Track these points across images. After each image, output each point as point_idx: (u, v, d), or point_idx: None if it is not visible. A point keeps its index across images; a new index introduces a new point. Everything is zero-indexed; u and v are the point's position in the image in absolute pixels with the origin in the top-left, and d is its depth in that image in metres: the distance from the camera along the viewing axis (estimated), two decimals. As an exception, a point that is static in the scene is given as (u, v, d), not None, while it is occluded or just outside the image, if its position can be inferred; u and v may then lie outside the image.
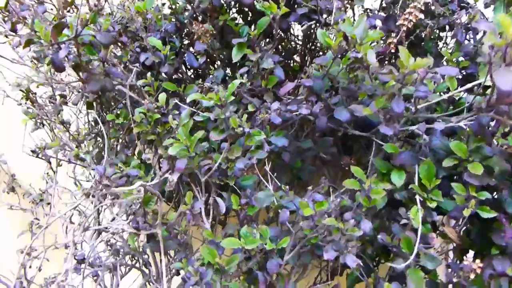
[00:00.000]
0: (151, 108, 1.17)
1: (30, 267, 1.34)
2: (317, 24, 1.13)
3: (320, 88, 1.08)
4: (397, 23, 1.08)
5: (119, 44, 1.29)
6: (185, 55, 1.31)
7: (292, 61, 1.46)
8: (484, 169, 0.89)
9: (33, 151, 1.49)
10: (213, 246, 1.02)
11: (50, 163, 1.55)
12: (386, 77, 0.90)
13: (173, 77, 1.36)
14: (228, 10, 1.18)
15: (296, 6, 1.13)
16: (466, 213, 0.91)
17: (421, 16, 1.15)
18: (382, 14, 1.30)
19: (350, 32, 0.91)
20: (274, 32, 1.05)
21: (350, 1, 1.24)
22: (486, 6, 1.40)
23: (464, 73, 1.23)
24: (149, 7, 1.29)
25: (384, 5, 1.27)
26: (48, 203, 1.73)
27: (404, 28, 1.01)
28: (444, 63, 1.25)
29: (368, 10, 1.32)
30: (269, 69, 1.13)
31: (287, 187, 1.05)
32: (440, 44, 1.40)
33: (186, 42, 1.38)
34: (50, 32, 0.88)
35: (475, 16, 1.12)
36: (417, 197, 0.97)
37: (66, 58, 0.99)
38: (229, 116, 0.99)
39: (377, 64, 0.92)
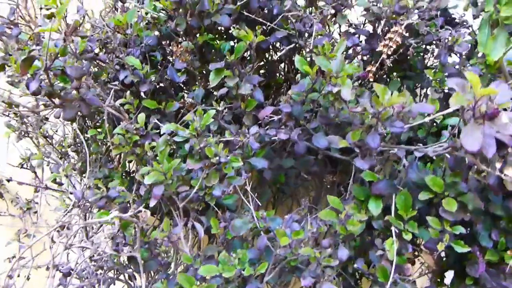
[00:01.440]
0: (130, 130, 1.16)
1: (18, 276, 1.34)
2: (297, 47, 1.11)
3: (299, 113, 1.07)
4: (379, 46, 1.06)
5: (98, 62, 1.27)
6: (167, 69, 1.29)
7: (277, 74, 1.44)
8: (458, 204, 0.89)
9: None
10: (191, 273, 1.03)
11: (35, 173, 1.55)
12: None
13: (157, 88, 1.35)
14: (206, 31, 1.15)
15: (274, 30, 1.10)
16: (440, 247, 0.91)
17: (405, 36, 1.14)
18: (368, 29, 1.28)
19: (325, 66, 0.90)
20: (252, 58, 1.03)
21: (333, 18, 1.22)
22: (475, 17, 1.38)
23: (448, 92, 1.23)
24: (130, 20, 1.26)
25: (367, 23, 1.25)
26: (35, 212, 1.74)
27: (384, 56, 0.99)
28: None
29: (352, 26, 1.30)
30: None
31: (264, 213, 1.05)
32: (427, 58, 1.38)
33: (168, 54, 1.36)
34: (20, 66, 0.86)
35: (458, 39, 1.10)
36: (393, 228, 0.97)
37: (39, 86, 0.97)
38: (204, 146, 0.98)
39: (353, 97, 0.91)
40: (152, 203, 1.04)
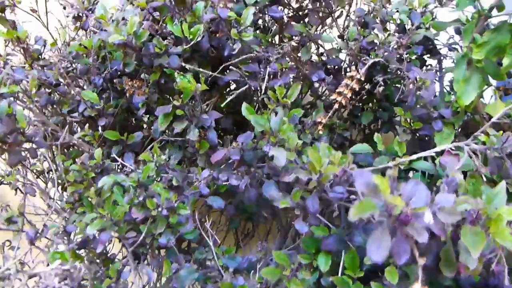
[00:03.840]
0: (86, 166, 1.14)
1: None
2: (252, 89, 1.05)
3: (251, 159, 1.02)
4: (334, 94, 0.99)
5: (57, 93, 1.25)
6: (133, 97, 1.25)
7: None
8: (401, 273, 0.84)
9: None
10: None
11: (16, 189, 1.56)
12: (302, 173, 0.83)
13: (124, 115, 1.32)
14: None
15: (228, 69, 1.05)
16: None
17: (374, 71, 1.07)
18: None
19: (262, 126, 0.84)
20: (199, 105, 0.99)
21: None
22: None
23: (417, 135, 1.16)
24: (96, 46, 1.22)
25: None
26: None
27: (336, 106, 0.92)
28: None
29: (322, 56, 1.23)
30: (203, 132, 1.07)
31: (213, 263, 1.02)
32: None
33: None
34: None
35: (425, 82, 1.02)
36: (339, 289, 0.92)
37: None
38: (145, 198, 0.95)
39: (292, 157, 0.85)
40: (99, 248, 1.02)
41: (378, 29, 1.10)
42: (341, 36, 1.25)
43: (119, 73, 1.20)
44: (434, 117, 1.08)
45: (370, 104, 1.29)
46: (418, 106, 1.09)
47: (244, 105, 0.95)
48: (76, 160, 1.16)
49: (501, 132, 1.08)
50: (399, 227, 0.57)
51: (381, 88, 1.13)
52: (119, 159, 1.18)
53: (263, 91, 1.00)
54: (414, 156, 1.04)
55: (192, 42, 0.97)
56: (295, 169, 0.94)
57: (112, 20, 1.08)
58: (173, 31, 0.97)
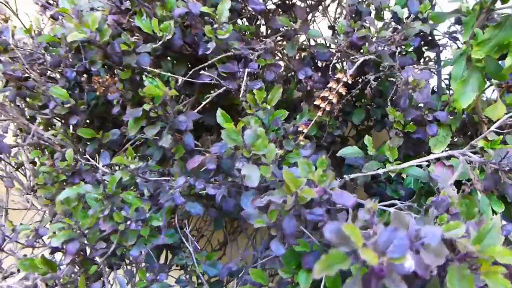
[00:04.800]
0: (57, 168, 1.07)
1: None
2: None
3: (229, 167, 0.94)
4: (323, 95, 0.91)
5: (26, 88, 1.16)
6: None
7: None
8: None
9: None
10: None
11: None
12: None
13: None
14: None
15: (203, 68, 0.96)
16: None
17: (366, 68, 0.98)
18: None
19: (234, 141, 0.76)
20: (173, 107, 0.90)
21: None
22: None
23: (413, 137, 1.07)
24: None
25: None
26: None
27: (320, 113, 0.84)
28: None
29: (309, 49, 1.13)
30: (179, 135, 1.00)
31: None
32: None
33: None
34: None
35: (419, 84, 0.93)
36: (319, 310, 0.87)
37: None
38: (113, 212, 0.88)
39: (268, 173, 0.78)
40: (67, 259, 0.96)
41: (370, 22, 1.00)
42: (331, 27, 1.15)
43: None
44: (429, 120, 0.99)
45: (363, 100, 1.20)
46: (411, 107, 1.00)
47: (219, 111, 0.87)
48: (46, 162, 1.09)
49: (501, 137, 1.00)
50: (374, 279, 0.50)
51: (372, 88, 1.04)
52: (93, 160, 1.11)
53: (241, 93, 0.91)
54: (406, 164, 0.96)
55: (163, 40, 0.88)
56: (274, 182, 0.87)
57: (79, 11, 0.98)
58: (141, 26, 0.88)
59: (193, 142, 1.00)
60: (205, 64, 0.91)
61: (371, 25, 1.00)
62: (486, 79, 0.93)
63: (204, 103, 0.93)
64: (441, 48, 1.19)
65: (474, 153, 0.89)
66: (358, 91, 1.08)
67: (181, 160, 1.02)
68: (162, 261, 1.14)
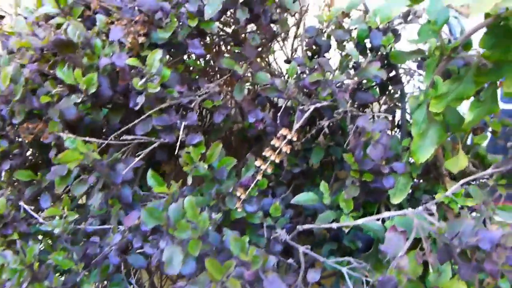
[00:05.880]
0: (-10, 216, 0.99)
1: None
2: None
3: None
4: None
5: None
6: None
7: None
8: None
9: None
10: None
11: None
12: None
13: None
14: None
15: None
16: None
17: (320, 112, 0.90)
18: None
19: (158, 217, 0.69)
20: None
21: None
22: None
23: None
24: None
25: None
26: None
27: (259, 177, 0.76)
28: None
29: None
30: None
31: None
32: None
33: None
34: None
35: (373, 136, 0.85)
36: None
37: None
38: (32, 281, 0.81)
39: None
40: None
41: (325, 64, 0.92)
42: (288, 62, 1.07)
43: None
44: (386, 173, 0.92)
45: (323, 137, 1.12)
46: (367, 158, 0.92)
47: (150, 172, 0.79)
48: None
49: (463, 189, 0.93)
50: None
51: (329, 131, 0.96)
52: (27, 207, 1.03)
53: (177, 148, 0.83)
54: (360, 221, 0.90)
55: (87, 93, 0.79)
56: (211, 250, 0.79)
57: None
58: (63, 78, 0.79)
59: (130, 195, 0.92)
60: (139, 119, 0.82)
61: (325, 67, 0.92)
62: (446, 133, 0.86)
63: (142, 155, 0.85)
64: (404, 85, 1.11)
65: (431, 215, 0.82)
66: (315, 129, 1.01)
67: (117, 216, 0.94)
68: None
